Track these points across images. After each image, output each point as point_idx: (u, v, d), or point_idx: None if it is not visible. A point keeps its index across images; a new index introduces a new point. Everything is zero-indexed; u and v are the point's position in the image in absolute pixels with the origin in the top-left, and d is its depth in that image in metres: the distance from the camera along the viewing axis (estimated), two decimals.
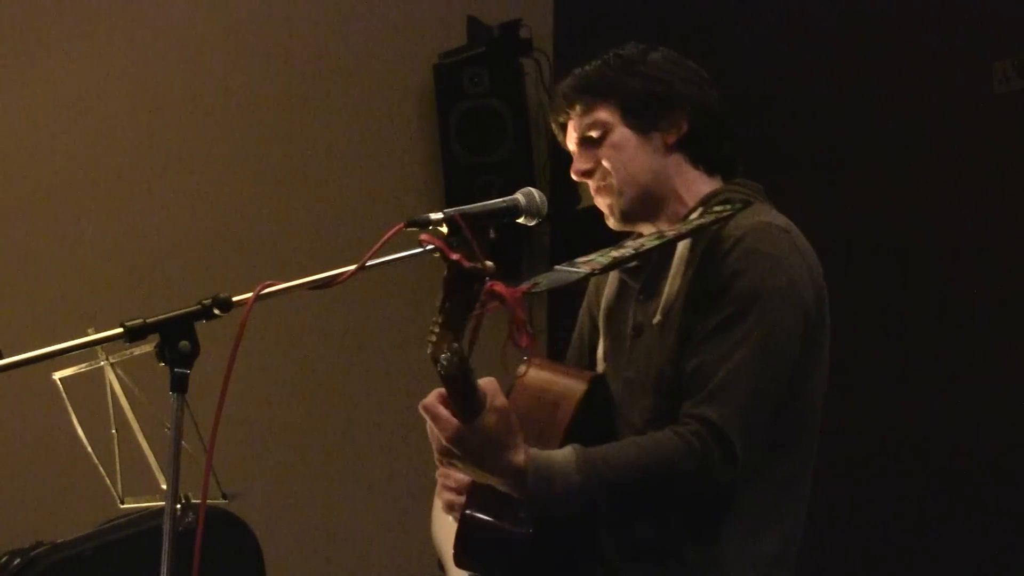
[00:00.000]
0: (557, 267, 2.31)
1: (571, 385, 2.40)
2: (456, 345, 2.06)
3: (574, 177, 2.55)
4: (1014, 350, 3.98)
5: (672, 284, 2.41)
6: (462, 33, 5.24)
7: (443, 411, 2.20)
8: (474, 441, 2.19)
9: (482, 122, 5.13)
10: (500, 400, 2.21)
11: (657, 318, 2.42)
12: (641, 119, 2.50)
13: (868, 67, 4.41)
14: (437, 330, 2.08)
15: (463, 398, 2.18)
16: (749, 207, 2.43)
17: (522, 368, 2.45)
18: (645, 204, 2.50)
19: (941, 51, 4.21)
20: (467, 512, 2.31)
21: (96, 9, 4.90)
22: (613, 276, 2.60)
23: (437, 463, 2.30)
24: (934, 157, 4.23)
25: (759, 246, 2.35)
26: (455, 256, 2.08)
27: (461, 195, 4.72)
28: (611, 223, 2.56)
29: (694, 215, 2.47)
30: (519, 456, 2.20)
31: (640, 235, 2.52)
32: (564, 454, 2.23)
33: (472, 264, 2.08)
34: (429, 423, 2.24)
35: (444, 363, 2.07)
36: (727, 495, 2.33)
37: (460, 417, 2.19)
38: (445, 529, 2.51)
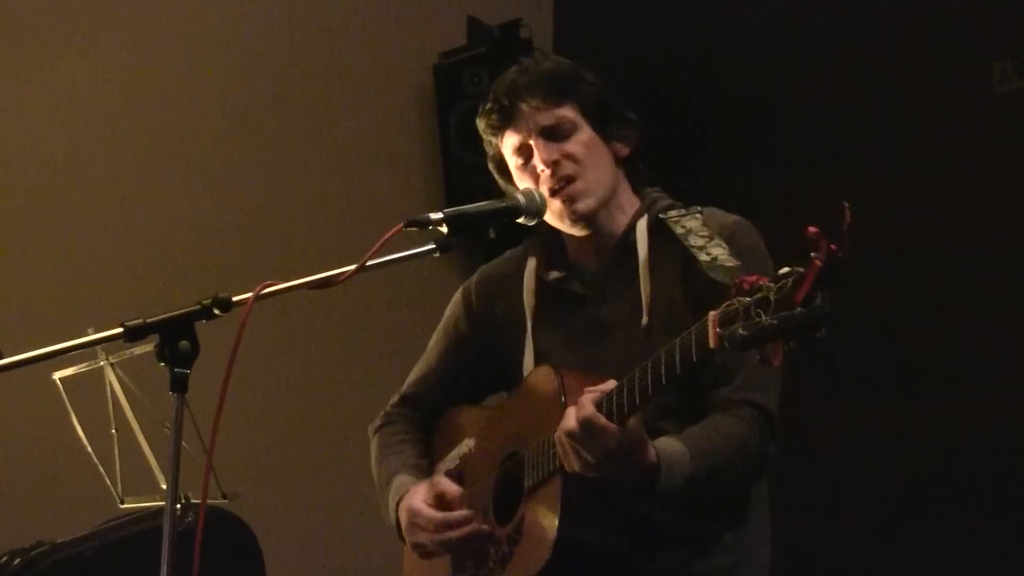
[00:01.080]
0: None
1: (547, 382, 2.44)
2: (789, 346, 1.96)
3: (541, 165, 2.52)
4: (1014, 350, 3.98)
5: (645, 286, 2.46)
6: (462, 33, 5.24)
7: (602, 421, 2.20)
8: (628, 442, 2.22)
9: None
10: None
11: (644, 319, 2.44)
12: (604, 126, 2.54)
13: (868, 67, 4.41)
14: (774, 323, 1.93)
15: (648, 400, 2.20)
16: (703, 208, 2.49)
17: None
18: (603, 208, 2.53)
19: (941, 51, 4.21)
20: (562, 535, 2.31)
21: (96, 9, 4.90)
22: (529, 292, 2.61)
23: (581, 469, 2.25)
24: (934, 157, 4.22)
25: (752, 243, 2.46)
26: (835, 247, 1.93)
27: (461, 195, 4.71)
28: (569, 223, 2.53)
29: (641, 221, 2.52)
30: (652, 452, 2.27)
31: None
32: (674, 444, 2.31)
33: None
34: (584, 435, 2.20)
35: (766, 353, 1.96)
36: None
37: (616, 420, 2.21)
38: None
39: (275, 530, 4.22)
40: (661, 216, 2.48)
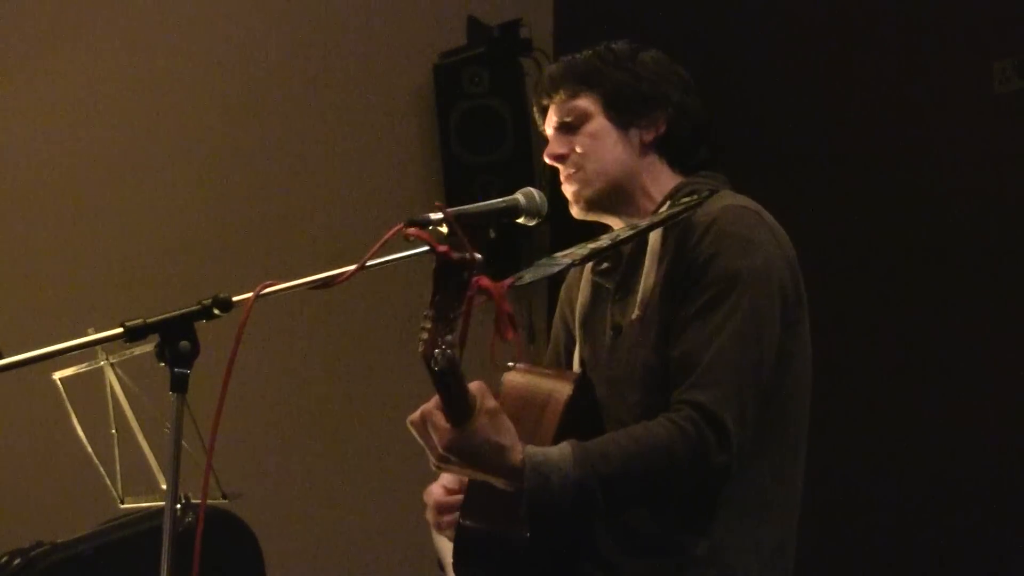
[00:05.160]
0: (538, 262, 2.31)
1: (557, 387, 2.39)
2: (449, 339, 2.04)
3: (546, 160, 2.56)
4: (1014, 350, 3.98)
5: (647, 279, 2.43)
6: (462, 33, 5.25)
7: (437, 418, 2.19)
8: (469, 445, 2.17)
9: (482, 122, 5.13)
10: (490, 401, 2.20)
11: (636, 313, 2.43)
12: (621, 113, 2.53)
13: (868, 67, 4.41)
14: (428, 326, 2.05)
15: (455, 399, 2.16)
16: (715, 194, 2.46)
17: (510, 368, 2.45)
18: (612, 197, 2.52)
19: (941, 51, 4.21)
20: (462, 522, 2.31)
21: (96, 9, 4.90)
22: (586, 282, 2.62)
23: (434, 468, 2.28)
24: (934, 157, 4.23)
25: (731, 228, 2.36)
26: (442, 248, 2.04)
27: (461, 195, 4.72)
28: (574, 211, 2.57)
29: (663, 208, 2.49)
30: (515, 455, 2.19)
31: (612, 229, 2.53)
32: (560, 449, 2.23)
33: (460, 255, 2.05)
34: (422, 429, 2.21)
35: (437, 359, 2.04)
36: (722, 485, 2.33)
37: (451, 421, 2.18)
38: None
39: (275, 530, 4.22)
40: (675, 203, 2.45)
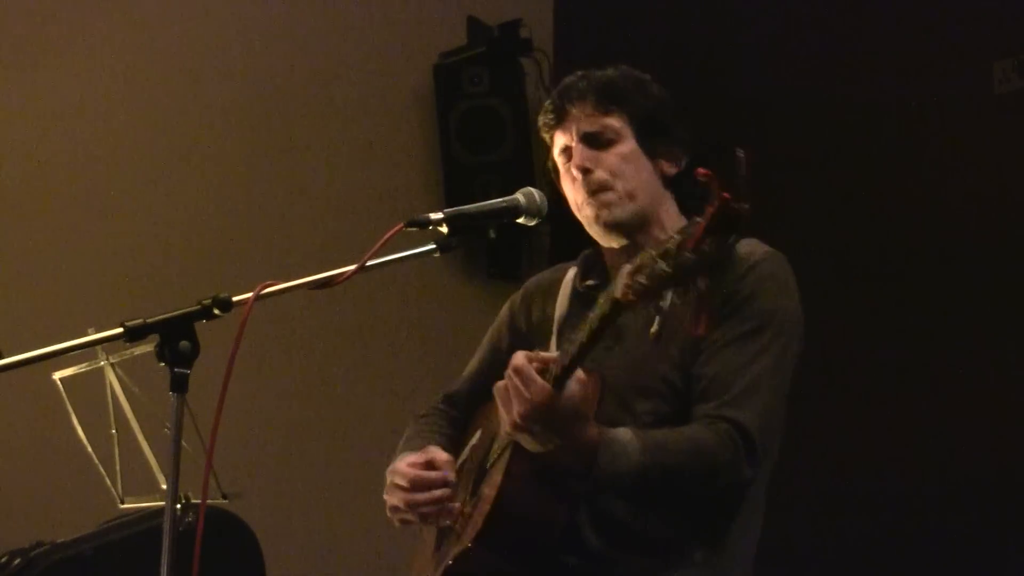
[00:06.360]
0: None
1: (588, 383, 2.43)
2: (668, 305, 2.02)
3: (574, 171, 2.55)
4: (1014, 350, 3.98)
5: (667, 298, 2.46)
6: (462, 33, 5.24)
7: (532, 374, 2.23)
8: (562, 408, 2.24)
9: (482, 122, 5.13)
10: (580, 372, 2.25)
11: (654, 328, 2.44)
12: (650, 142, 2.56)
13: (868, 67, 4.41)
14: (669, 271, 1.98)
15: (587, 353, 2.19)
16: (743, 239, 2.50)
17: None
18: (637, 221, 2.55)
19: (941, 51, 4.20)
20: (500, 513, 2.33)
21: (97, 10, 4.90)
22: (564, 296, 2.66)
23: (510, 428, 2.29)
24: (934, 157, 4.22)
25: (775, 271, 2.49)
26: (727, 194, 1.93)
27: (461, 195, 4.72)
28: (595, 229, 2.57)
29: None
30: (594, 429, 2.28)
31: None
32: (626, 433, 2.32)
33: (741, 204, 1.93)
34: (514, 385, 2.24)
35: (661, 307, 2.01)
36: (738, 494, 2.46)
37: (550, 382, 2.22)
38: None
39: (275, 530, 4.22)
40: None
